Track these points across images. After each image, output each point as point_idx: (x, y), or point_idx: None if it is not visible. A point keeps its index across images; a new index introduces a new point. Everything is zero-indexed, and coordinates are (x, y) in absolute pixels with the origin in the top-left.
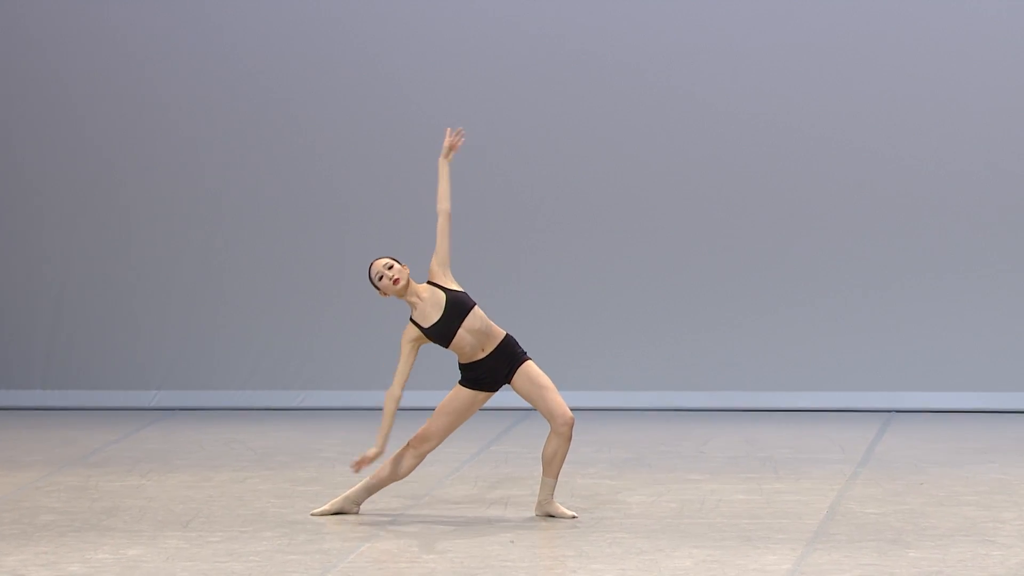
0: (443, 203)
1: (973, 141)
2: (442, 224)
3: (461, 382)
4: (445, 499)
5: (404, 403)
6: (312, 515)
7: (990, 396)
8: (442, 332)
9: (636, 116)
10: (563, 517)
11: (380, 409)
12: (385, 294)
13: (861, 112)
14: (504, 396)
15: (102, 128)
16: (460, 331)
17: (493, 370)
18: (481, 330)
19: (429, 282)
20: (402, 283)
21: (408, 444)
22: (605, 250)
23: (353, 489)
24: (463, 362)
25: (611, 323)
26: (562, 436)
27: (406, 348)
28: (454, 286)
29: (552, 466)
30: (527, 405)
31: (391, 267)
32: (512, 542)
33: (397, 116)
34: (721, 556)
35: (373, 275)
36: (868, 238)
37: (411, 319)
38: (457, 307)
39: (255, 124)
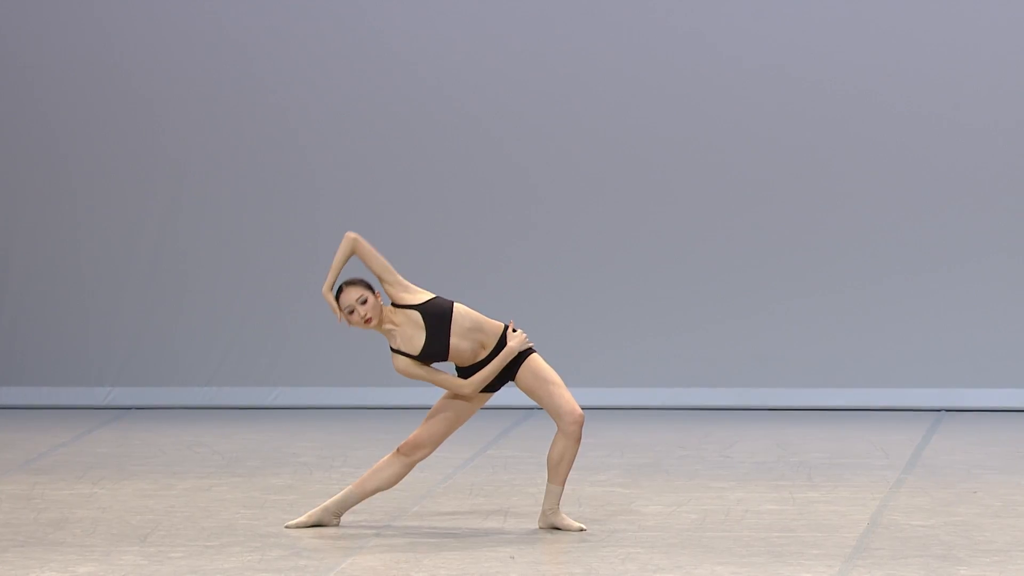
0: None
1: None
2: (358, 249)
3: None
4: (436, 510)
5: (397, 402)
6: (287, 528)
7: None
8: (435, 351)
9: (655, 99)
10: (570, 530)
11: (362, 408)
12: (350, 325)
13: (891, 88)
14: (503, 394)
15: (47, 101)
16: (452, 341)
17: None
18: (474, 328)
19: (395, 305)
20: (373, 322)
21: (397, 450)
22: (617, 232)
23: (332, 499)
24: (465, 367)
25: (625, 312)
26: (570, 436)
27: (420, 372)
28: (422, 296)
29: (558, 471)
30: (529, 403)
31: (365, 302)
32: (513, 558)
33: (375, 95)
34: (748, 574)
35: (343, 305)
36: (916, 214)
37: (393, 349)
38: (438, 318)
39: (219, 94)
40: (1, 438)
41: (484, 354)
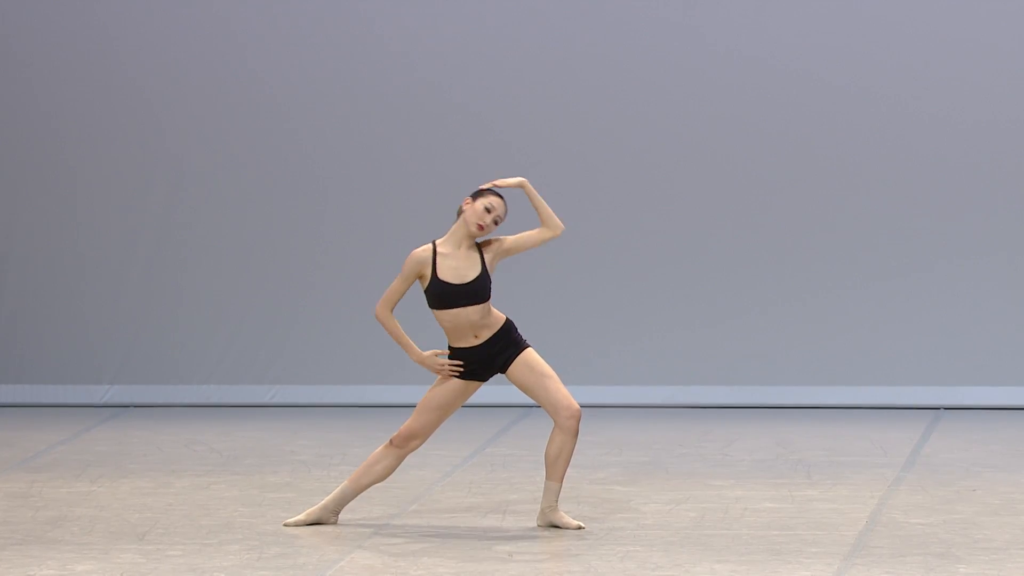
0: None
1: None
2: (535, 234)
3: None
4: (435, 507)
5: (395, 400)
6: (285, 526)
7: None
8: (471, 292)
9: (655, 99)
10: (568, 527)
11: (361, 406)
12: (472, 223)
13: (888, 88)
14: (501, 391)
15: (46, 99)
16: (467, 308)
17: (488, 358)
18: (482, 317)
19: (479, 244)
20: (485, 233)
21: (390, 442)
22: (615, 231)
23: (330, 496)
24: (453, 345)
25: (624, 311)
26: (568, 431)
27: (408, 271)
28: (490, 271)
29: (556, 468)
30: (527, 401)
31: (497, 222)
32: (511, 556)
33: (377, 92)
34: (747, 572)
35: (489, 205)
36: (914, 213)
37: (437, 249)
38: (488, 281)
39: (218, 91)
40: None
41: (475, 342)
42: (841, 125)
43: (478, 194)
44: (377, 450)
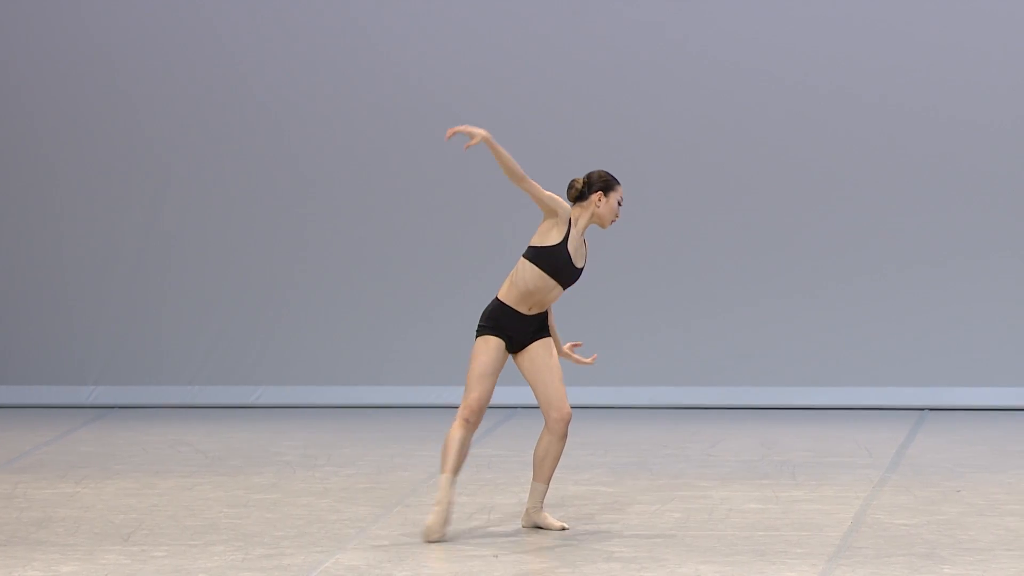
0: (514, 175)
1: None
2: (529, 188)
3: (485, 332)
4: (420, 508)
5: (381, 401)
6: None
7: None
8: (567, 270)
9: (636, 98)
10: (553, 528)
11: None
12: (608, 219)
13: (872, 87)
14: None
15: (30, 99)
16: (559, 288)
17: (522, 331)
18: (554, 300)
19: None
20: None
21: (465, 420)
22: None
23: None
24: (506, 302)
25: (610, 311)
26: (555, 432)
27: (556, 203)
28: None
29: (543, 469)
30: (513, 402)
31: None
32: (496, 557)
33: (366, 91)
34: (732, 573)
35: (621, 198)
36: (900, 215)
37: (573, 213)
38: (578, 280)
39: (204, 91)
40: None
41: (526, 312)
42: (824, 127)
43: (606, 186)
44: (455, 433)
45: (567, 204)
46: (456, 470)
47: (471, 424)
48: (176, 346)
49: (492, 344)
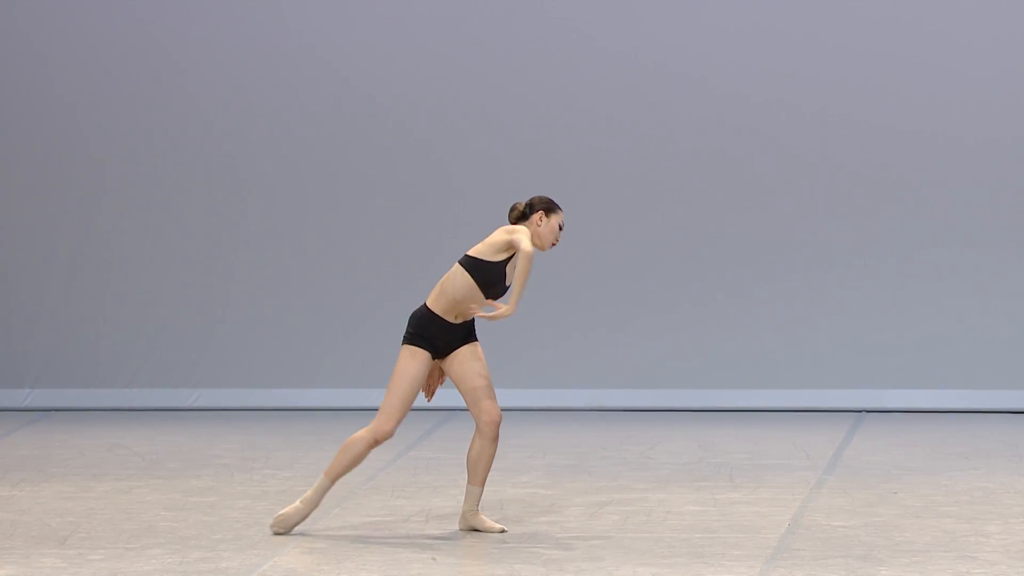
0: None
1: (966, 120)
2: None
3: (413, 342)
4: (358, 511)
5: (318, 404)
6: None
7: (973, 395)
8: (500, 284)
9: (569, 103)
10: (491, 531)
11: (284, 410)
12: (548, 241)
13: (800, 92)
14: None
15: None
16: (488, 298)
17: (449, 339)
18: (472, 307)
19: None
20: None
21: (373, 435)
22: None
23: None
24: (435, 310)
25: (546, 313)
26: (487, 436)
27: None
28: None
29: (477, 472)
30: (449, 405)
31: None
32: (434, 560)
33: (306, 90)
34: (670, 574)
35: (560, 223)
36: (834, 216)
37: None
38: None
39: (139, 91)
40: None
41: (452, 320)
42: (755, 130)
43: (548, 208)
44: (360, 449)
45: (521, 234)
46: (337, 480)
47: (376, 445)
48: (113, 349)
49: (420, 360)
